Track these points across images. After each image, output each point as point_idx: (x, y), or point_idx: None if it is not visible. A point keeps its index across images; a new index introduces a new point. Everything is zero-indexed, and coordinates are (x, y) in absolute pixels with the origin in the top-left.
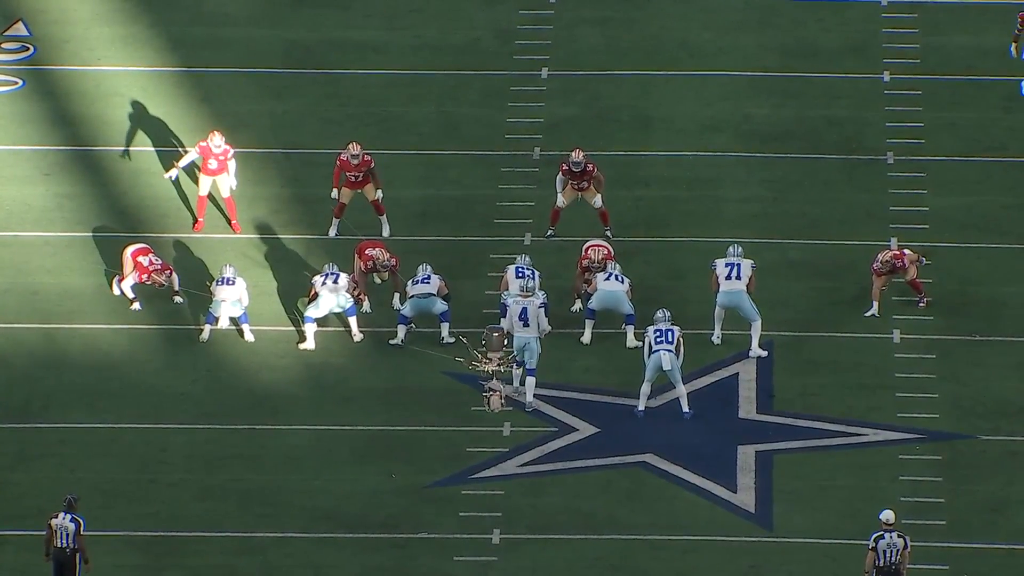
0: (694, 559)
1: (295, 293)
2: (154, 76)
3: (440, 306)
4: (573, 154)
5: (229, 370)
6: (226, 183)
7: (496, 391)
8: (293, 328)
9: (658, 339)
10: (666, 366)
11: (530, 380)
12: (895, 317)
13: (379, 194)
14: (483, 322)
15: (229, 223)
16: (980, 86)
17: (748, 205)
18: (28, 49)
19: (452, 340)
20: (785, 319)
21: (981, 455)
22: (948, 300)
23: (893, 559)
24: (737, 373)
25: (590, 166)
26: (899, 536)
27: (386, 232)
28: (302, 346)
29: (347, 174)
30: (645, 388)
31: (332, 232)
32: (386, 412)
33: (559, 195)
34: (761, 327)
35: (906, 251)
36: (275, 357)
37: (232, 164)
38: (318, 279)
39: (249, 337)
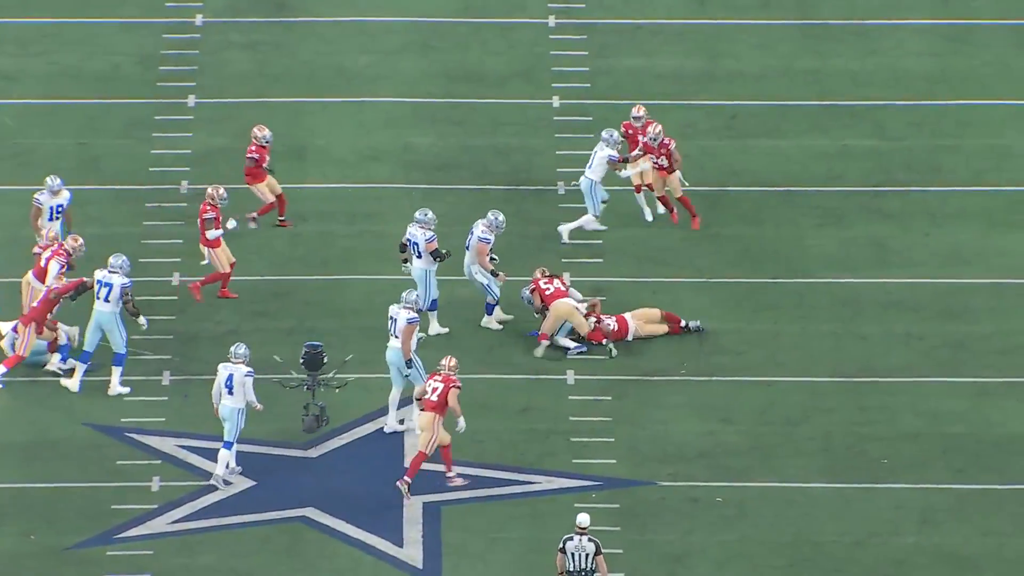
0: None
1: None
2: None
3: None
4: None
5: None
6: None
7: (313, 414)
8: None
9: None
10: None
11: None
12: (570, 357)
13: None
14: None
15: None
16: (651, 110)
17: None
18: None
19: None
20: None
21: (661, 502)
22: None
23: (584, 565)
24: (404, 419)
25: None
26: (590, 540)
27: None
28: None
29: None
30: None
31: None
32: (24, 468)
33: None
34: None
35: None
36: None
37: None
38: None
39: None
